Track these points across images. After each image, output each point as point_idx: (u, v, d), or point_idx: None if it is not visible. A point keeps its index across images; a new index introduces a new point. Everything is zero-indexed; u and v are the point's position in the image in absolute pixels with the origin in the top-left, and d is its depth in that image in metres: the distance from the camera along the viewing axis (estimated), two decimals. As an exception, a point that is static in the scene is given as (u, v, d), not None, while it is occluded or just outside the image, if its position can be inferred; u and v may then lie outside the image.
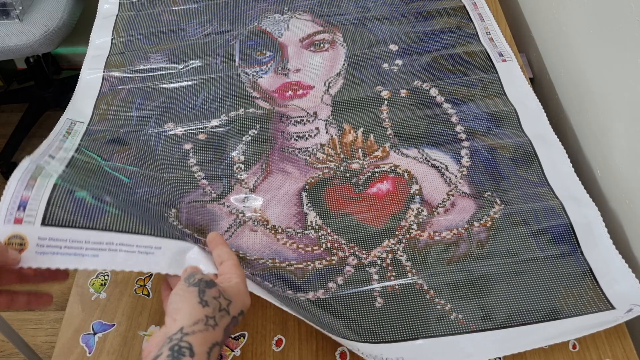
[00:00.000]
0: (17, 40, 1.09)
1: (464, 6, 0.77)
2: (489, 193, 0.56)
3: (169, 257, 0.44)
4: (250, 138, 0.62)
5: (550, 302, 0.49)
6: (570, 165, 0.58)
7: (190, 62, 0.71)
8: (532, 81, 0.74)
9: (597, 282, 0.50)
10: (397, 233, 0.54)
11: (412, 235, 0.54)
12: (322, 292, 0.51)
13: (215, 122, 0.64)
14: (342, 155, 0.60)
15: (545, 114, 0.63)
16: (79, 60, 1.74)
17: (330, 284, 0.51)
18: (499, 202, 0.56)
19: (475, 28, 0.73)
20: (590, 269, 0.51)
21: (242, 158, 0.61)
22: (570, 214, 0.54)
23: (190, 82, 0.69)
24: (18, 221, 0.41)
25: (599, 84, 0.60)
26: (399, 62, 0.70)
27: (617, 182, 0.57)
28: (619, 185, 0.57)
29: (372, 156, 0.60)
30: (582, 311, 0.48)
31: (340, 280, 0.51)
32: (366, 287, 0.51)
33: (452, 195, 0.56)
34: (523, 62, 0.71)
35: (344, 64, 0.70)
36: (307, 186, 0.58)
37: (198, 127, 0.64)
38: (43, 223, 0.42)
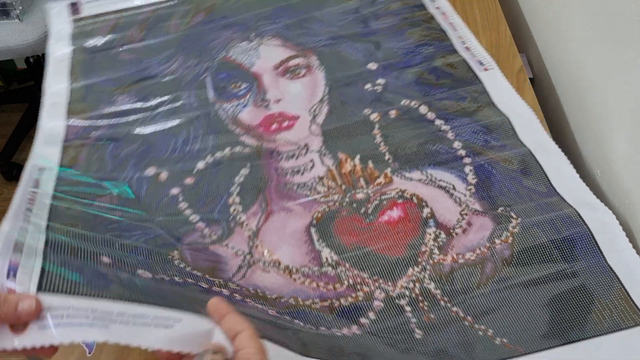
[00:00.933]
0: (17, 40, 1.09)
1: (433, 16, 0.74)
2: (502, 208, 0.54)
3: (189, 332, 0.37)
4: (242, 178, 0.58)
5: (587, 316, 0.47)
6: (575, 171, 0.57)
7: (161, 99, 0.66)
8: (532, 81, 0.74)
9: (627, 292, 0.48)
10: (419, 260, 0.51)
11: (435, 260, 0.51)
12: (356, 328, 0.47)
13: (201, 165, 0.59)
14: (343, 187, 0.57)
15: (538, 121, 0.62)
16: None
17: (363, 320, 0.48)
18: (514, 216, 0.54)
19: (450, 38, 0.71)
20: (618, 279, 0.49)
21: (237, 199, 0.57)
22: (587, 220, 0.53)
23: (165, 125, 0.63)
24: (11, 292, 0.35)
25: (599, 84, 0.60)
26: (381, 81, 0.66)
27: (617, 182, 0.57)
28: (619, 185, 0.57)
29: (375, 183, 0.57)
30: (618, 326, 0.46)
31: (371, 315, 0.48)
32: (401, 320, 0.48)
33: (466, 214, 0.54)
34: (523, 62, 0.71)
35: (325, 89, 0.66)
36: (314, 221, 0.55)
37: (183, 169, 0.59)
38: (40, 289, 0.36)
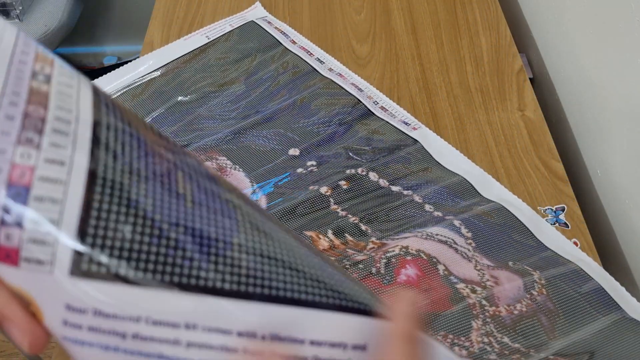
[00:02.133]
0: (17, 40, 1.09)
1: (332, 80, 0.67)
2: (511, 262, 0.51)
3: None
4: None
5: None
6: (549, 225, 0.55)
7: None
8: (532, 81, 0.74)
9: None
10: (475, 312, 0.48)
11: (491, 312, 0.48)
12: None
13: None
14: (333, 258, 0.51)
15: (489, 176, 0.58)
16: (79, 60, 1.74)
17: None
18: (530, 269, 0.51)
19: (360, 100, 0.65)
20: None
21: None
22: (592, 276, 0.51)
23: None
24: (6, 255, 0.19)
25: (599, 84, 0.60)
26: (313, 162, 0.59)
27: (617, 181, 0.57)
28: (619, 185, 0.57)
29: (368, 249, 0.52)
30: None
31: None
32: None
33: (482, 270, 0.51)
34: (523, 62, 0.71)
35: (253, 185, 0.58)
36: None
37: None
38: (74, 271, 0.19)
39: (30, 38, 0.23)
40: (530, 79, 0.69)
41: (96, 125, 0.21)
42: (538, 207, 0.57)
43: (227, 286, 0.20)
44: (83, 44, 1.63)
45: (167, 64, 0.69)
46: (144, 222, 0.20)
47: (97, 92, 0.22)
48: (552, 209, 0.57)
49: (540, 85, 0.75)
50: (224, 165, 0.60)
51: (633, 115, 0.53)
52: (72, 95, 0.21)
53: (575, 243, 0.54)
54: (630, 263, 0.54)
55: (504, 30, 0.74)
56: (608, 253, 0.59)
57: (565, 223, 0.55)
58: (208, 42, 0.72)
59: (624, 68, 0.54)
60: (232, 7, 0.80)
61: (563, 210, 0.57)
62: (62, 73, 0.22)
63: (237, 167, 0.59)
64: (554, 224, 0.55)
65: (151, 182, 0.21)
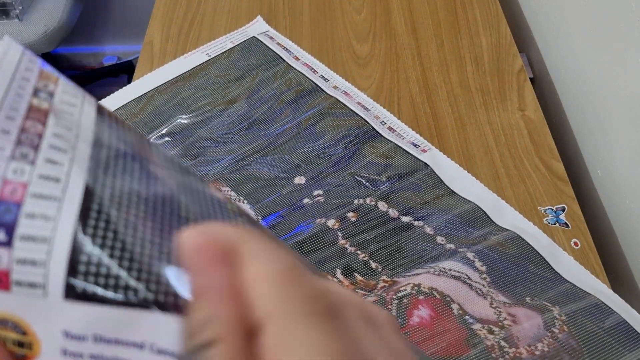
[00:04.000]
0: (17, 40, 1.08)
1: (337, 99, 0.64)
2: (529, 298, 0.50)
3: None
4: None
5: None
6: (566, 254, 0.53)
7: None
8: (533, 81, 0.74)
9: None
10: (494, 356, 0.46)
11: (511, 355, 0.46)
12: None
13: None
14: None
15: (503, 201, 0.56)
16: (78, 60, 1.74)
17: None
18: (549, 305, 0.49)
19: (366, 121, 0.62)
20: None
21: None
22: (614, 309, 0.49)
23: None
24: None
25: (600, 84, 0.59)
26: (319, 192, 0.57)
27: (618, 181, 0.57)
28: (620, 185, 0.57)
29: (379, 288, 0.50)
30: None
31: None
32: None
33: (499, 307, 0.49)
34: (523, 62, 0.71)
35: (257, 216, 0.56)
36: None
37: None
38: (67, 295, 0.17)
39: (36, 56, 0.23)
40: (530, 78, 0.69)
41: (97, 144, 0.20)
42: (538, 207, 0.56)
43: None
44: (83, 44, 1.63)
45: (166, 82, 0.68)
46: (143, 243, 0.18)
47: (101, 111, 0.22)
48: (552, 209, 0.56)
49: (541, 85, 0.75)
50: (229, 197, 0.56)
51: (634, 115, 0.53)
52: (74, 114, 0.21)
53: (575, 243, 0.53)
54: (630, 263, 0.54)
55: (504, 30, 0.74)
56: (608, 253, 0.59)
57: (565, 223, 0.55)
58: (208, 60, 0.70)
59: (624, 67, 0.54)
60: (232, 7, 0.80)
61: (563, 210, 0.56)
62: (66, 91, 0.22)
63: (242, 198, 0.57)
64: (555, 223, 0.55)
65: (151, 203, 0.20)
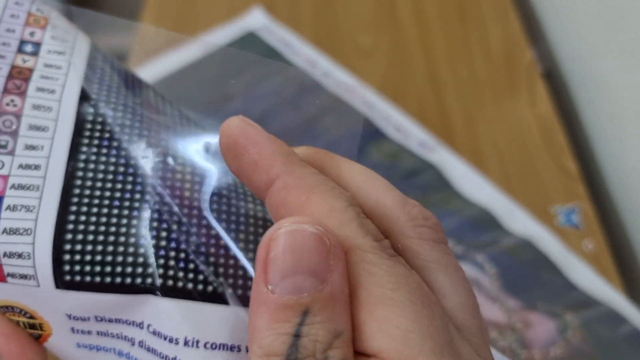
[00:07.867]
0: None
1: (339, 97, 0.64)
2: (540, 302, 0.50)
3: None
4: None
5: None
6: (582, 262, 0.52)
7: None
8: (544, 75, 0.73)
9: None
10: (507, 357, 0.48)
11: (524, 357, 0.47)
12: None
13: None
14: None
15: (516, 207, 0.55)
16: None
17: None
18: (561, 311, 0.49)
19: (370, 120, 0.61)
20: None
21: None
22: (627, 318, 0.49)
23: None
24: None
25: (616, 79, 0.58)
26: None
27: (631, 181, 0.56)
28: (633, 185, 0.56)
29: None
30: None
31: None
32: None
33: (509, 311, 0.50)
34: (534, 56, 0.70)
35: None
36: None
37: None
38: (58, 285, 0.17)
39: None
40: (541, 73, 0.69)
41: (80, 116, 0.19)
42: (549, 207, 0.56)
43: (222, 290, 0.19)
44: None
45: (160, 79, 0.65)
46: (128, 227, 0.18)
47: (94, 55, 0.21)
48: (563, 209, 0.56)
49: (552, 80, 0.74)
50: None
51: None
52: (58, 78, 0.20)
53: (587, 245, 0.53)
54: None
55: (513, 21, 0.74)
56: (623, 255, 0.58)
57: (577, 224, 0.55)
58: (204, 55, 0.68)
59: (642, 62, 0.52)
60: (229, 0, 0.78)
61: (575, 210, 0.56)
62: (55, 36, 0.20)
63: None
64: (566, 224, 0.55)
65: (140, 178, 0.19)
